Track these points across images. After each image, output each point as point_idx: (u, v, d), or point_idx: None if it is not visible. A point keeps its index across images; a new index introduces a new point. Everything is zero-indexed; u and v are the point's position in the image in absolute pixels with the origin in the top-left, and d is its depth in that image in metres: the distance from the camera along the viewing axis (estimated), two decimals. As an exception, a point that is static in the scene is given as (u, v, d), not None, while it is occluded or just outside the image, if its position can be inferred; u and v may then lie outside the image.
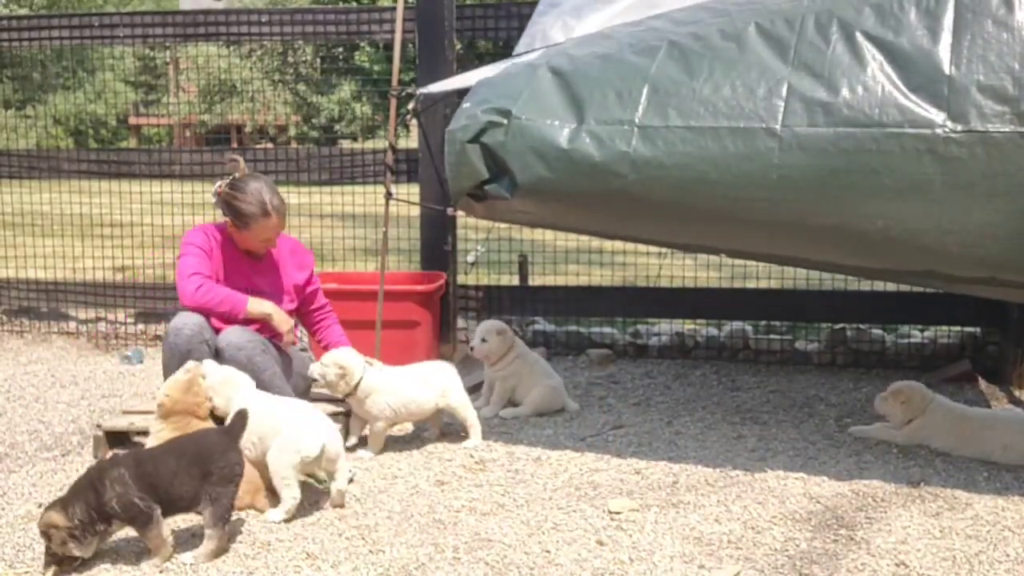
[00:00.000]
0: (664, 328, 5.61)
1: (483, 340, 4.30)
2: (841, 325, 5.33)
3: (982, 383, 4.84)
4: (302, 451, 3.16)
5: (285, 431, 3.22)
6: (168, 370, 3.64)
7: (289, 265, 4.05)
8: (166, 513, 2.92)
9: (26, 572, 2.86)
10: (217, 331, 3.76)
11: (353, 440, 3.87)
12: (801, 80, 3.32)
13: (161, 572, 2.84)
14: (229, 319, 3.77)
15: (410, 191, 5.04)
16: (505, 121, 3.65)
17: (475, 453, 3.84)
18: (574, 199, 3.63)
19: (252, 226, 3.79)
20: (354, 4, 16.50)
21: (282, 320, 3.84)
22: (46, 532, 2.80)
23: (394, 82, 4.57)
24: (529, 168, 3.61)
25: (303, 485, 3.30)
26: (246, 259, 3.94)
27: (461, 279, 5.44)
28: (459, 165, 3.78)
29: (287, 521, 3.16)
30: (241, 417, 3.02)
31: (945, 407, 3.89)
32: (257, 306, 3.79)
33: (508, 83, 3.77)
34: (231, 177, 3.84)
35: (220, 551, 2.92)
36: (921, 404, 3.87)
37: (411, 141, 6.22)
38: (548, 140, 3.59)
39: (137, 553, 2.95)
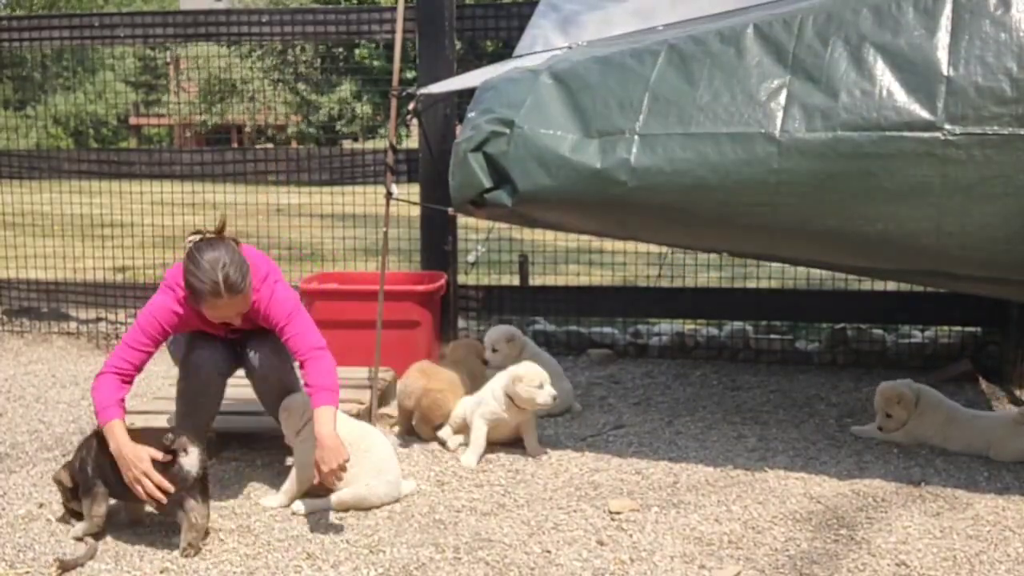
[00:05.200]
0: (664, 328, 5.61)
1: (494, 351, 4.28)
2: (841, 325, 5.33)
3: (983, 383, 4.84)
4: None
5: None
6: (181, 405, 3.56)
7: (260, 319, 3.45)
8: (120, 496, 3.08)
9: (26, 572, 2.86)
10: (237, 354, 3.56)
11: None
12: (800, 85, 3.32)
13: (162, 572, 2.84)
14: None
15: (410, 191, 5.04)
16: (508, 131, 3.67)
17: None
18: (574, 206, 3.63)
19: (201, 304, 3.20)
20: (354, 4, 16.51)
21: (124, 463, 3.02)
22: (58, 484, 3.19)
23: (395, 82, 4.57)
24: (530, 176, 3.62)
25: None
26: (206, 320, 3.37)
27: (461, 279, 5.44)
28: (461, 175, 3.79)
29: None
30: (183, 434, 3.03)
31: (936, 402, 3.91)
32: (110, 436, 3.09)
33: (511, 91, 3.77)
34: (201, 237, 3.28)
35: (196, 534, 2.97)
36: (912, 398, 3.89)
37: (411, 141, 6.22)
38: (550, 149, 3.60)
39: (139, 553, 2.95)
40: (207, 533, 3.04)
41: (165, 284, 3.31)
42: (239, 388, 4.32)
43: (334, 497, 3.26)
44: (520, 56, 4.18)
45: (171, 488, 2.95)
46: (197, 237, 3.28)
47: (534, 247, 6.17)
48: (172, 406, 4.02)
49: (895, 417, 3.90)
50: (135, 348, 3.25)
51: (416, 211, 5.22)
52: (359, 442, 3.31)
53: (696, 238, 3.70)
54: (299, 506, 3.27)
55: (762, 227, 3.37)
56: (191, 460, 2.98)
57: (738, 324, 5.47)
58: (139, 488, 2.97)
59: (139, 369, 3.27)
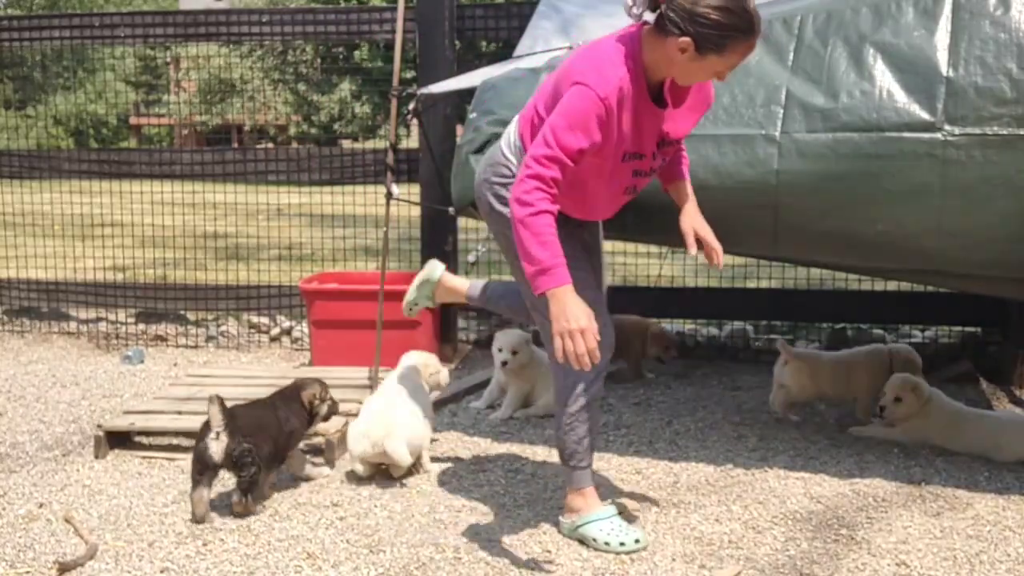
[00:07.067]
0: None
1: (514, 353, 4.26)
2: (841, 325, 5.33)
3: (983, 383, 4.84)
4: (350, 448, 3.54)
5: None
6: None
7: (696, 101, 2.89)
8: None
9: (26, 572, 2.86)
10: None
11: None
12: (799, 86, 3.32)
13: (162, 572, 2.84)
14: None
15: (411, 191, 5.04)
16: None
17: (475, 453, 3.84)
18: None
19: (728, 50, 2.57)
20: (354, 4, 16.52)
21: (565, 316, 2.54)
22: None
23: (395, 82, 4.58)
24: None
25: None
26: (654, 106, 2.74)
27: (462, 279, 5.43)
28: (463, 177, 3.79)
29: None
30: (212, 402, 3.14)
31: (943, 403, 3.91)
32: (561, 300, 2.55)
33: (512, 92, 3.77)
34: None
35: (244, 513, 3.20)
36: (926, 392, 3.87)
37: (412, 141, 6.22)
38: None
39: (139, 553, 2.95)
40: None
41: (571, 82, 2.63)
42: (239, 388, 4.33)
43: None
44: (520, 57, 4.18)
45: (598, 359, 2.55)
46: None
47: (534, 247, 6.15)
48: (172, 406, 4.05)
49: (905, 403, 3.86)
50: (561, 161, 2.59)
51: (416, 211, 5.22)
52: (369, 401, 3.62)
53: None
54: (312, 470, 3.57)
55: (763, 228, 3.37)
56: (216, 446, 3.11)
57: (738, 324, 5.47)
58: (563, 341, 2.53)
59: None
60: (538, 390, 4.33)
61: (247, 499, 3.18)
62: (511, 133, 2.98)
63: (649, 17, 2.62)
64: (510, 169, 2.92)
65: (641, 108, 2.68)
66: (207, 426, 3.13)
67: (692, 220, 3.06)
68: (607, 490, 3.45)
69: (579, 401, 2.98)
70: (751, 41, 2.59)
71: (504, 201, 2.91)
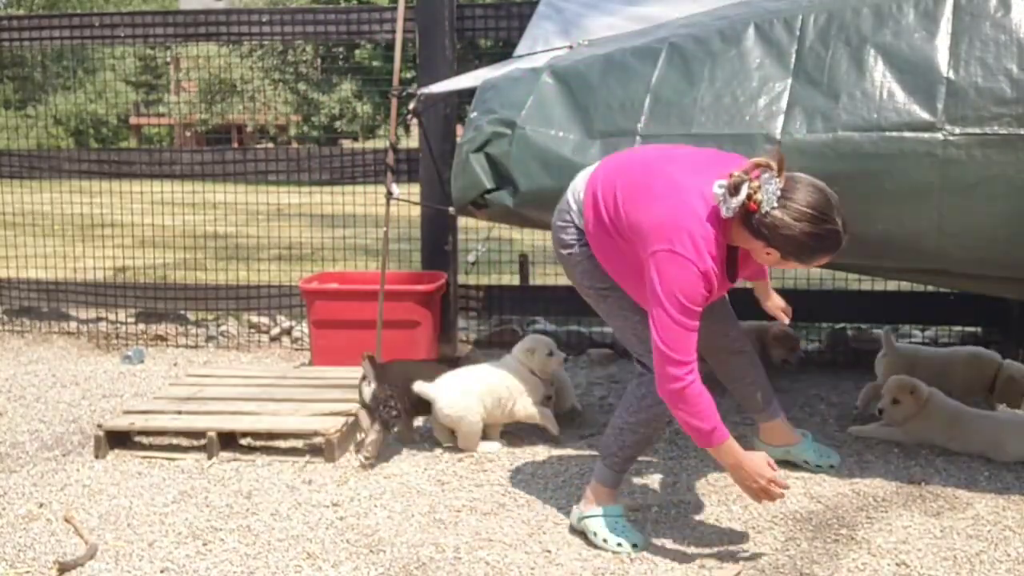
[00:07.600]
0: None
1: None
2: (841, 325, 5.32)
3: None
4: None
5: None
6: None
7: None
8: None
9: (26, 572, 2.86)
10: None
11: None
12: (801, 86, 3.31)
13: (162, 572, 2.84)
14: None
15: (411, 191, 5.05)
16: (509, 132, 3.67)
17: (475, 453, 3.84)
18: None
19: (813, 262, 2.73)
20: (354, 4, 16.52)
21: (747, 476, 2.84)
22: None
23: (395, 82, 4.58)
24: (532, 177, 3.62)
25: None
26: (727, 280, 2.88)
27: (462, 279, 5.44)
28: (463, 176, 3.79)
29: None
30: (365, 357, 3.79)
31: (942, 403, 3.91)
32: (729, 454, 2.83)
33: (512, 91, 3.77)
34: (773, 180, 2.65)
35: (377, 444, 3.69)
36: (925, 393, 3.87)
37: (412, 141, 6.22)
38: (552, 150, 3.60)
39: (139, 553, 2.95)
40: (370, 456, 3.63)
41: (664, 252, 2.67)
42: (238, 387, 4.33)
43: None
44: (520, 57, 4.18)
45: (788, 487, 2.94)
46: (769, 184, 2.63)
47: (534, 247, 6.17)
48: (172, 406, 4.05)
49: (903, 405, 3.85)
50: (691, 330, 2.70)
51: (416, 211, 5.22)
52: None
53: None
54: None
55: (762, 227, 3.37)
56: (367, 390, 3.73)
57: (738, 324, 5.45)
58: (760, 496, 2.83)
59: None
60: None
61: (387, 432, 3.73)
62: (579, 185, 3.06)
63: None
64: (570, 215, 3.05)
65: (720, 278, 2.78)
66: (363, 376, 3.77)
67: (776, 301, 3.63)
68: (607, 490, 3.45)
69: (640, 415, 3.06)
70: (835, 251, 2.70)
71: (563, 244, 3.08)
